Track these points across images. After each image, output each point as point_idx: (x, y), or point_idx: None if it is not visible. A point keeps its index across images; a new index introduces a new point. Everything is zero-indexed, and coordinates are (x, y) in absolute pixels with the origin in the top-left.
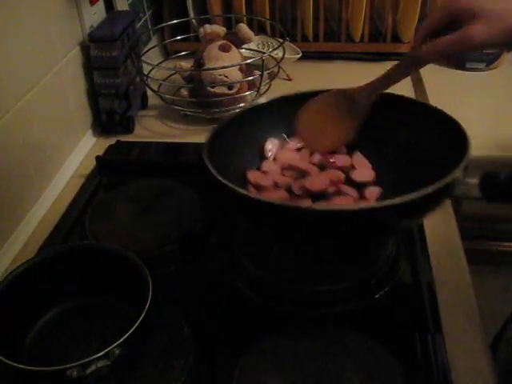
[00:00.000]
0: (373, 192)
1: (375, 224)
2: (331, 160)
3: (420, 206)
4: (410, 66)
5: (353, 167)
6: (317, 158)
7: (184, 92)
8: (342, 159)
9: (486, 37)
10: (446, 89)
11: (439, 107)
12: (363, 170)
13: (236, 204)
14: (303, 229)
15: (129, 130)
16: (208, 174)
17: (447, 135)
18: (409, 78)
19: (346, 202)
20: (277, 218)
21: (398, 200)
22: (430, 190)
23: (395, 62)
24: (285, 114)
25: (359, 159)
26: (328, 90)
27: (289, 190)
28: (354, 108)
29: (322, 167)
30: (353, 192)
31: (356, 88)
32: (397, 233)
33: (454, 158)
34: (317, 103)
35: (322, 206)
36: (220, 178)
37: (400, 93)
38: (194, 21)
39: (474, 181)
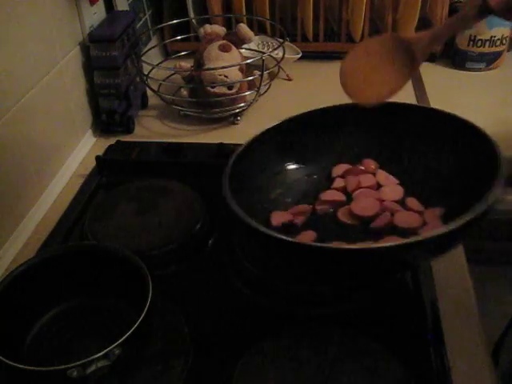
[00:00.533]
0: (434, 212)
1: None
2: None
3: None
4: (475, 16)
5: (379, 185)
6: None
7: (184, 92)
8: (366, 179)
9: None
10: (446, 89)
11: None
12: (393, 188)
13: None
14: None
15: (129, 130)
16: (233, 215)
17: (476, 151)
18: None
19: (412, 221)
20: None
21: (434, 232)
22: (466, 218)
23: None
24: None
25: (384, 176)
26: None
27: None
28: (409, 57)
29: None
30: (416, 205)
31: (414, 37)
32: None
33: (484, 180)
34: (367, 47)
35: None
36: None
37: (400, 92)
38: (194, 21)
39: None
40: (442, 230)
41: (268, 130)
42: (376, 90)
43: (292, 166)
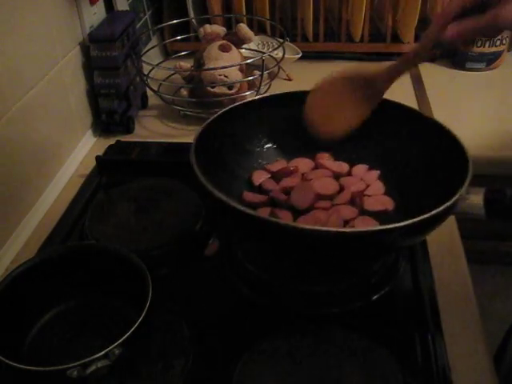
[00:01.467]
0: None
1: (376, 245)
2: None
3: (421, 227)
4: (431, 48)
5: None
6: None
7: (184, 92)
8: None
9: None
10: (446, 89)
11: (439, 108)
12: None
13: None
14: (289, 245)
15: (129, 130)
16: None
17: (449, 152)
18: (409, 78)
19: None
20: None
21: (401, 224)
22: (430, 214)
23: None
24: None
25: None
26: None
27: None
28: (370, 93)
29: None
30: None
31: (375, 72)
32: (397, 251)
33: (457, 177)
34: (330, 84)
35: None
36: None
37: (400, 92)
38: (193, 21)
39: (477, 198)
40: (410, 221)
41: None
42: (338, 125)
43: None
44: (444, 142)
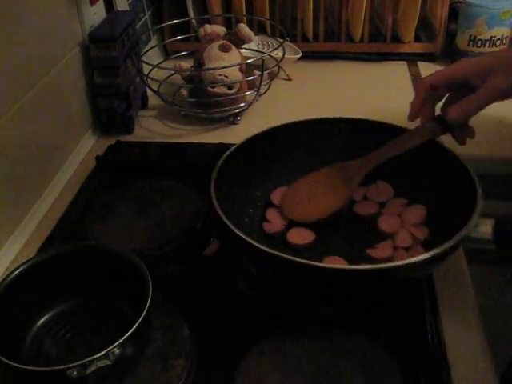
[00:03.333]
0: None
1: (382, 281)
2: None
3: (429, 262)
4: (424, 133)
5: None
6: None
7: (184, 92)
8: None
9: (510, 84)
10: None
11: (439, 108)
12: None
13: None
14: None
15: (129, 129)
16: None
17: (460, 182)
18: (409, 78)
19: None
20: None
21: (408, 260)
22: (439, 250)
23: (395, 63)
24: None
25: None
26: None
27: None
28: (348, 179)
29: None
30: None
31: (352, 162)
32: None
33: (466, 208)
34: (309, 178)
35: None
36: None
37: (400, 92)
38: (194, 21)
39: (486, 228)
40: (423, 256)
41: (253, 138)
42: (313, 209)
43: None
44: (453, 170)
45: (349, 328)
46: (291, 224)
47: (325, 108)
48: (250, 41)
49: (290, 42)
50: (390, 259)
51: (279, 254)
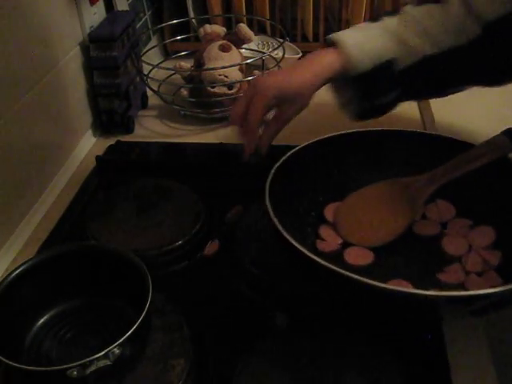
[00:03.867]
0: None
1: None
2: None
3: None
4: (496, 150)
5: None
6: None
7: (184, 92)
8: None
9: None
10: None
11: (439, 108)
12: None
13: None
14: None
15: (129, 129)
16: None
17: None
18: None
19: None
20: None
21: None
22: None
23: None
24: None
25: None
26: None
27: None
28: (410, 198)
29: None
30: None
31: (415, 178)
32: None
33: None
34: (362, 194)
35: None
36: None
37: None
38: (193, 21)
39: None
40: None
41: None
42: (374, 233)
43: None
44: None
45: (349, 329)
46: (346, 241)
47: (324, 107)
48: (249, 41)
49: (290, 42)
50: (461, 285)
51: (358, 277)
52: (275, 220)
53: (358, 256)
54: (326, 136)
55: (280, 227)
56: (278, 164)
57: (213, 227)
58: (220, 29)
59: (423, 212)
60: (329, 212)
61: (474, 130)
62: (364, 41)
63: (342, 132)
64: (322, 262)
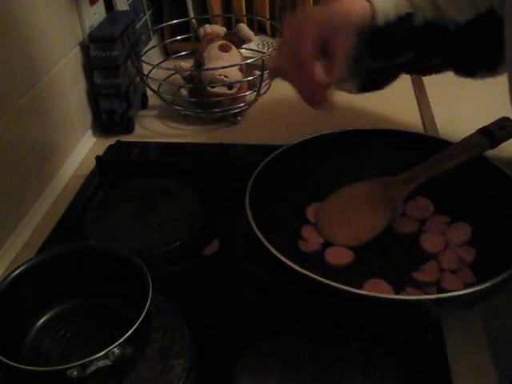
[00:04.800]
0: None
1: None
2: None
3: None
4: (472, 148)
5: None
6: None
7: (184, 92)
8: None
9: None
10: (446, 89)
11: (440, 108)
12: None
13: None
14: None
15: (129, 129)
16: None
17: (509, 199)
18: (409, 78)
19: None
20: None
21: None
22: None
23: None
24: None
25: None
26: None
27: None
28: (390, 197)
29: None
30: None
31: (394, 178)
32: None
33: None
34: (344, 193)
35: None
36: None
37: (400, 93)
38: (193, 21)
39: None
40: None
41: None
42: (354, 232)
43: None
44: (499, 185)
45: (348, 328)
46: (328, 241)
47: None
48: (249, 41)
49: None
50: (437, 282)
51: (334, 284)
52: (253, 224)
53: (338, 256)
54: (305, 138)
55: (258, 232)
56: (258, 168)
57: (213, 227)
58: (220, 29)
59: (402, 209)
60: (310, 212)
61: (473, 130)
62: None
63: (322, 133)
64: (297, 268)
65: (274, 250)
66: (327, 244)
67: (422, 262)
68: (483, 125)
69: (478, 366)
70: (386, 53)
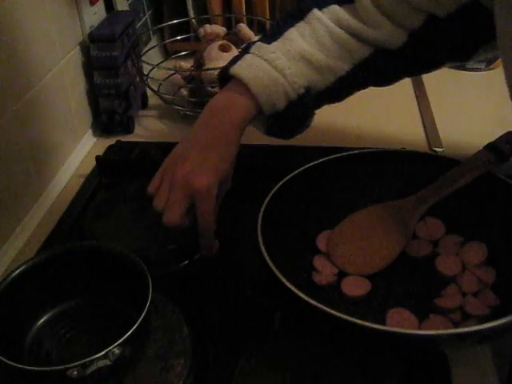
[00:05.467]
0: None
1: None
2: None
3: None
4: (480, 166)
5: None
6: None
7: (184, 92)
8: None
9: None
10: (445, 89)
11: (439, 108)
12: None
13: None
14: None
15: (129, 130)
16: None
17: None
18: (409, 78)
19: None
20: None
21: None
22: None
23: None
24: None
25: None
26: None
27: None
28: (402, 221)
29: None
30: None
31: (404, 201)
32: None
33: None
34: (354, 219)
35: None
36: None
37: (400, 93)
38: (193, 21)
39: None
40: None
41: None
42: (369, 260)
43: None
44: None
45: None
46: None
47: (324, 108)
48: (249, 41)
49: None
50: (460, 308)
51: (363, 323)
52: (268, 260)
53: (355, 286)
54: (311, 164)
55: (273, 267)
56: (267, 199)
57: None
58: (220, 29)
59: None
60: (321, 241)
61: (473, 130)
62: (270, 83)
63: (328, 158)
64: (319, 306)
65: (294, 288)
66: (342, 273)
67: (441, 285)
68: (483, 124)
69: (478, 366)
70: (295, 121)
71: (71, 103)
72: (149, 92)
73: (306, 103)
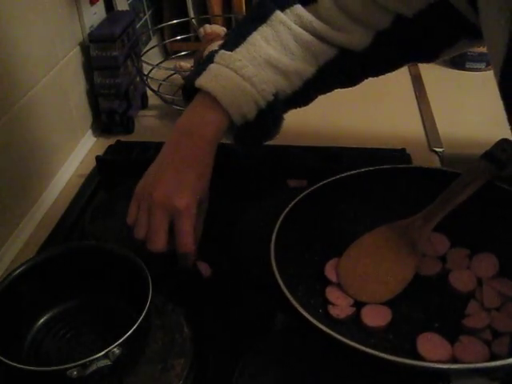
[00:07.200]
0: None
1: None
2: None
3: None
4: (480, 176)
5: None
6: None
7: None
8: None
9: None
10: (446, 89)
11: (439, 108)
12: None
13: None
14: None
15: (129, 130)
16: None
17: None
18: (409, 78)
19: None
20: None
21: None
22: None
23: None
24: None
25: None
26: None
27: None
28: (410, 241)
29: None
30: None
31: (411, 220)
32: None
33: None
34: (362, 243)
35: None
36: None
37: (400, 92)
38: (193, 21)
39: None
40: None
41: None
42: (384, 285)
43: None
44: None
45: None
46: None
47: (324, 108)
48: None
49: None
50: (489, 326)
51: (400, 359)
52: (288, 295)
53: (376, 316)
54: (314, 186)
55: (296, 304)
56: (274, 235)
57: (213, 227)
58: (220, 29)
59: None
60: (330, 271)
61: (473, 130)
62: (238, 93)
63: (328, 180)
64: (350, 343)
65: (323, 327)
66: (358, 302)
67: (459, 302)
68: (483, 124)
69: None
70: (265, 129)
71: (71, 103)
72: (149, 92)
73: (275, 110)
